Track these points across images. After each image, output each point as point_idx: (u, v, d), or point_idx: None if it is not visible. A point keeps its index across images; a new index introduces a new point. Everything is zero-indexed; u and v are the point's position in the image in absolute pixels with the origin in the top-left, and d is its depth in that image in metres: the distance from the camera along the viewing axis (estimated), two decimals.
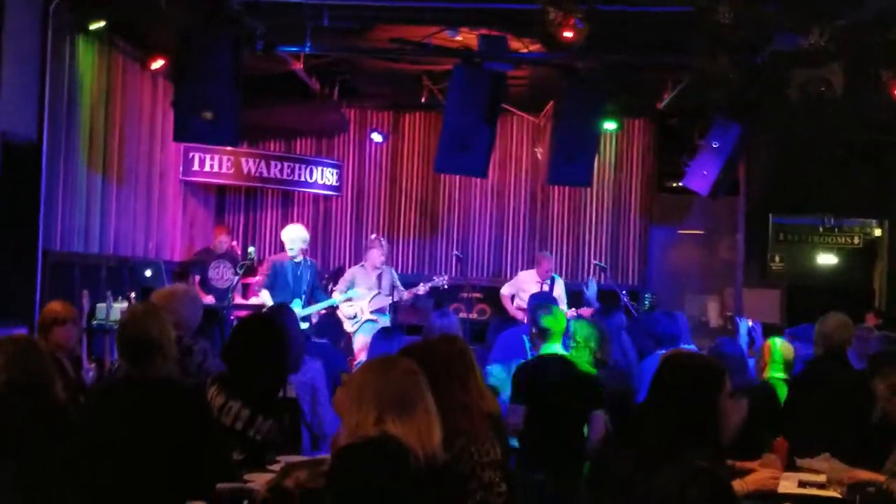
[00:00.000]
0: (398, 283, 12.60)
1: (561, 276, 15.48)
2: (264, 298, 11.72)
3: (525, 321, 11.36)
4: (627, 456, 4.02)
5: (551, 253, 14.96)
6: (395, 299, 12.35)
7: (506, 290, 13.43)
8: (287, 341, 6.04)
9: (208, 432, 5.11)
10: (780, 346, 7.68)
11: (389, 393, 4.04)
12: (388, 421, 3.97)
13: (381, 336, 8.34)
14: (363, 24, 11.43)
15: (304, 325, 10.97)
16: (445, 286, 13.07)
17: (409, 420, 4.00)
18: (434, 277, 12.96)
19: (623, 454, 4.11)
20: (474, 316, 14.22)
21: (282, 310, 7.76)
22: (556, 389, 6.93)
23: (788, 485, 5.53)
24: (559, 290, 12.95)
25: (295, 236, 12.06)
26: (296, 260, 11.95)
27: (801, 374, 7.31)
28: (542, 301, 9.04)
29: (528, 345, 8.22)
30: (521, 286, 13.21)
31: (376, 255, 12.57)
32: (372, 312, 12.28)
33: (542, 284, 13.01)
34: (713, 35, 9.55)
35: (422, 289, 12.69)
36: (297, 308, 11.08)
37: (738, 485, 4.90)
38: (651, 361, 8.50)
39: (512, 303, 13.24)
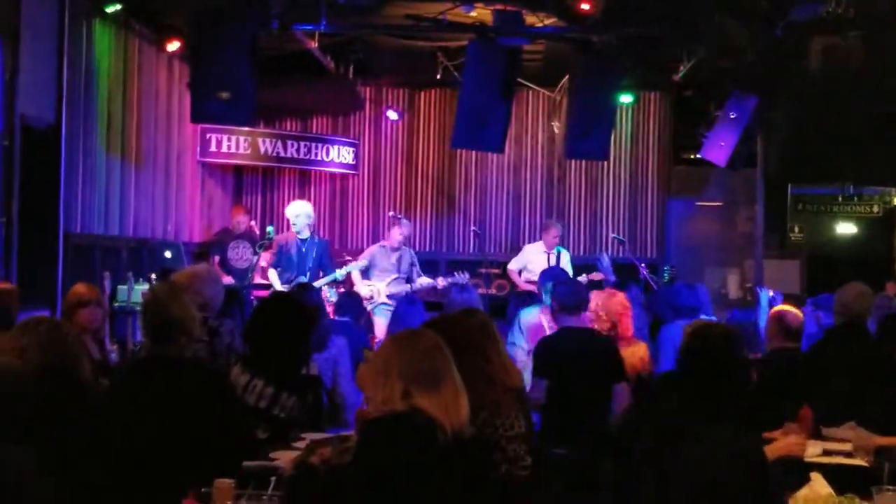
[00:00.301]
0: (417, 265, 12.62)
1: (579, 250, 15.55)
2: (272, 278, 11.77)
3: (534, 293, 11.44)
4: (651, 428, 4.03)
5: (565, 226, 15.01)
6: (413, 287, 12.33)
7: (513, 266, 13.41)
8: (309, 319, 6.07)
9: (232, 411, 5.15)
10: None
11: (416, 366, 4.05)
12: (416, 394, 3.98)
13: (406, 304, 8.41)
14: (378, 1, 11.42)
15: None
16: (465, 283, 13.05)
17: (436, 393, 4.01)
18: (455, 274, 12.92)
19: (647, 426, 4.10)
20: (493, 291, 14.23)
21: (307, 289, 7.81)
22: (579, 363, 6.93)
23: (814, 453, 5.53)
24: (565, 262, 12.94)
25: (299, 212, 12.04)
26: (301, 237, 11.94)
27: (822, 342, 7.29)
28: (559, 276, 9.03)
29: (545, 323, 8.21)
30: (528, 259, 13.22)
31: (396, 235, 12.57)
32: (388, 297, 12.28)
33: (548, 255, 13.01)
34: (730, 5, 9.52)
35: (441, 283, 12.67)
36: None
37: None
38: (670, 331, 8.51)
39: (520, 276, 13.23)
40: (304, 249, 11.83)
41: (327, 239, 12.71)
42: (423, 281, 12.56)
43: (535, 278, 11.69)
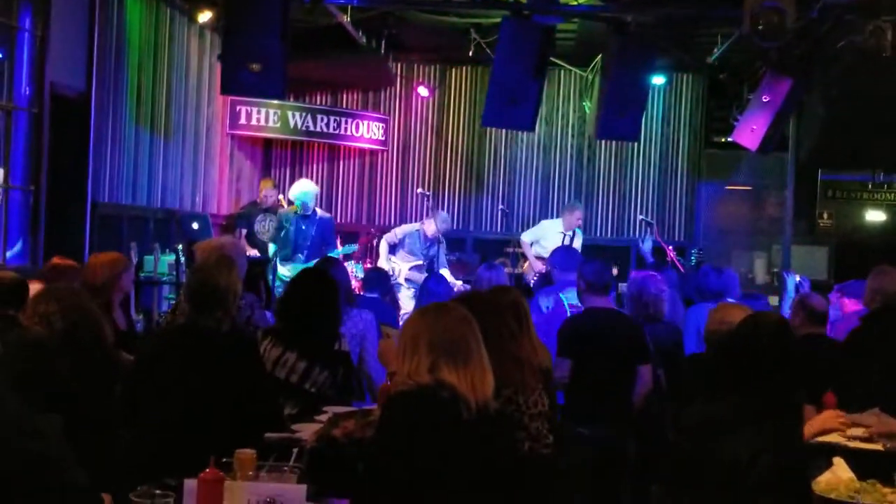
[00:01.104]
0: (444, 259, 12.64)
1: (606, 232, 15.51)
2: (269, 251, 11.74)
3: (540, 269, 11.39)
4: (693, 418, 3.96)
5: (594, 207, 14.97)
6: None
7: (526, 238, 13.35)
8: (340, 294, 6.08)
9: (260, 382, 5.14)
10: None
11: (445, 339, 4.00)
12: (443, 368, 3.93)
13: (434, 280, 8.42)
14: None
15: None
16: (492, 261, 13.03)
17: (464, 368, 3.96)
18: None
19: (688, 416, 4.04)
20: (520, 270, 14.18)
21: (332, 263, 7.78)
22: (603, 343, 6.90)
23: (835, 438, 5.49)
24: (578, 244, 12.88)
25: (307, 190, 11.94)
26: (303, 213, 11.80)
27: (860, 330, 7.18)
28: (574, 256, 8.99)
29: (566, 302, 8.17)
30: (543, 234, 13.16)
31: (433, 227, 12.60)
32: (406, 279, 12.31)
33: (564, 235, 12.95)
34: None
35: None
36: (299, 263, 11.10)
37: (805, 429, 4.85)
38: (695, 313, 8.45)
39: (531, 248, 13.17)
40: (303, 227, 11.68)
41: (330, 216, 12.56)
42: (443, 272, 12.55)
43: (546, 254, 11.79)
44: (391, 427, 3.91)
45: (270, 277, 11.16)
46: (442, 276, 9.31)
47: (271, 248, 11.64)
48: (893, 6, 9.35)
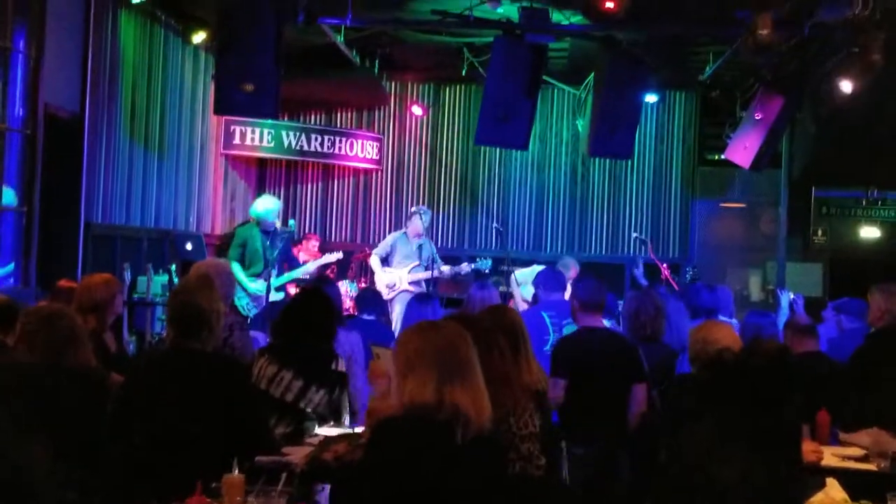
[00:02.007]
0: (437, 257, 12.55)
1: (600, 249, 15.52)
2: (234, 270, 11.38)
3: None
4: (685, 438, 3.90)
5: (588, 225, 14.99)
6: (434, 274, 12.30)
7: (520, 278, 12.97)
8: (339, 315, 6.07)
9: (248, 403, 5.09)
10: None
11: (447, 357, 3.90)
12: (449, 386, 3.84)
13: (418, 301, 8.32)
14: None
15: (279, 296, 10.90)
16: (488, 270, 12.98)
17: (468, 386, 3.86)
18: (478, 259, 12.88)
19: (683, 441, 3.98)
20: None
21: (326, 283, 7.73)
22: (598, 363, 6.85)
23: (829, 459, 5.48)
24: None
25: (272, 207, 11.50)
26: (266, 230, 11.40)
27: (867, 348, 7.13)
28: (559, 278, 8.92)
29: (548, 321, 8.12)
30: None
31: (418, 224, 12.53)
32: (410, 283, 12.26)
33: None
34: (758, 5, 9.40)
35: (465, 268, 12.65)
36: (271, 279, 10.99)
37: None
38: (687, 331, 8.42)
39: (519, 288, 12.91)
40: (268, 242, 11.44)
41: (291, 230, 12.32)
42: (446, 269, 12.51)
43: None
44: (380, 452, 3.84)
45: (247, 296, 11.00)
46: (426, 295, 9.21)
47: (234, 265, 11.26)
48: (881, 25, 9.34)
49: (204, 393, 4.91)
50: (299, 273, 11.64)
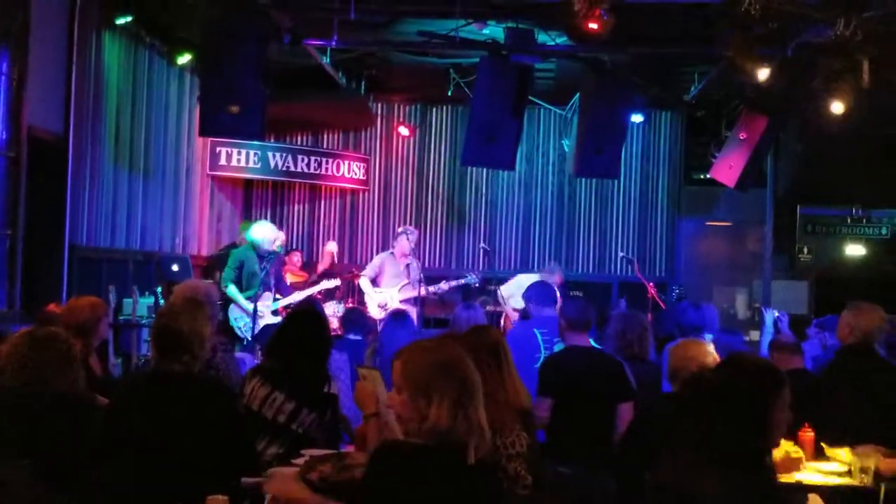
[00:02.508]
0: (422, 278, 12.54)
1: (588, 268, 15.50)
2: (232, 294, 11.22)
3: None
4: (668, 457, 3.89)
5: (575, 244, 15.00)
6: (420, 294, 12.28)
7: (504, 291, 12.95)
8: (330, 336, 6.02)
9: (233, 425, 5.07)
10: None
11: (462, 377, 3.77)
12: (469, 408, 3.72)
13: (393, 320, 8.30)
14: (390, 17, 11.36)
15: (276, 319, 10.85)
16: (477, 284, 12.97)
17: (478, 406, 3.76)
18: (467, 274, 12.87)
19: (664, 456, 3.97)
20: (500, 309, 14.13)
21: (315, 304, 7.70)
22: (584, 381, 6.83)
23: (811, 475, 5.49)
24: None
25: (275, 237, 11.53)
26: (260, 254, 11.33)
27: (836, 364, 7.19)
28: (549, 291, 8.88)
29: (539, 338, 8.10)
30: (520, 290, 12.88)
31: (405, 245, 12.52)
32: (401, 302, 12.25)
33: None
34: (742, 26, 9.43)
35: (443, 286, 12.64)
36: (269, 301, 10.98)
37: None
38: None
39: (508, 302, 12.93)
40: (263, 265, 11.40)
41: (279, 251, 12.26)
42: (431, 288, 12.49)
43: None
44: (380, 479, 3.73)
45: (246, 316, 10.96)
46: (402, 314, 9.15)
47: (232, 287, 11.22)
48: (863, 46, 9.38)
49: (186, 414, 4.89)
50: (297, 298, 11.60)
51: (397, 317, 8.73)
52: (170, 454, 4.79)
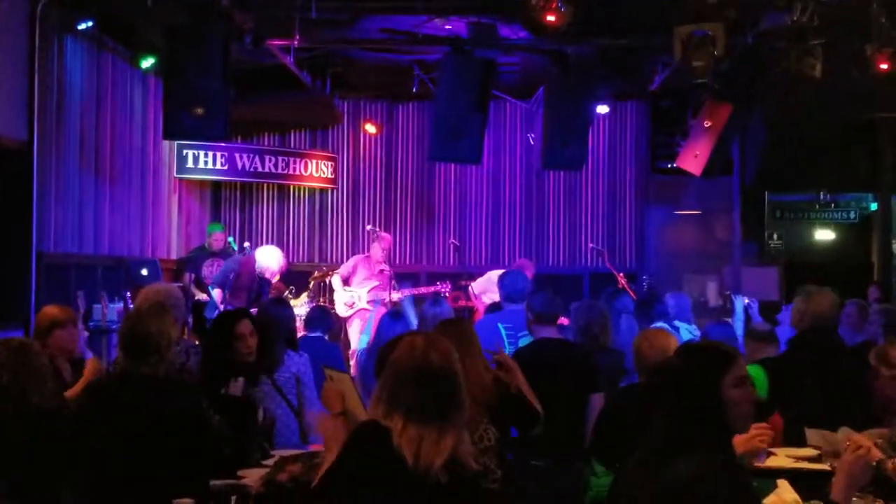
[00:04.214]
0: (395, 284, 12.58)
1: (558, 260, 15.53)
2: (216, 296, 11.36)
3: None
4: (636, 447, 3.93)
5: (545, 236, 15.08)
6: (391, 293, 12.29)
7: (476, 288, 12.99)
8: (226, 337, 5.97)
9: (202, 429, 5.08)
10: None
11: (412, 392, 3.82)
12: (410, 424, 3.76)
13: (390, 320, 8.29)
14: (351, 14, 11.35)
15: None
16: (447, 294, 12.95)
17: (428, 425, 3.81)
18: (437, 283, 12.89)
19: (631, 447, 4.01)
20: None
21: (281, 304, 7.63)
22: (553, 374, 6.84)
23: (780, 460, 5.52)
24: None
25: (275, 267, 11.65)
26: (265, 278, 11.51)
27: (792, 352, 7.23)
28: (524, 282, 8.87)
29: (503, 332, 8.12)
30: (492, 286, 12.91)
31: (378, 251, 12.60)
32: (368, 302, 12.28)
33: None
34: (700, 14, 9.51)
35: (419, 291, 12.66)
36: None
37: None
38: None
39: (478, 300, 12.92)
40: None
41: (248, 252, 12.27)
42: (396, 296, 12.48)
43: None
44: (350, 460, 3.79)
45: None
46: (399, 314, 9.16)
47: (215, 290, 11.32)
48: (820, 31, 9.47)
49: (154, 416, 4.90)
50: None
51: (395, 316, 8.69)
52: (139, 457, 4.80)
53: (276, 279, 11.81)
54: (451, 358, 3.88)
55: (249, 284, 11.31)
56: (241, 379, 5.76)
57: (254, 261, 11.47)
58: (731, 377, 3.69)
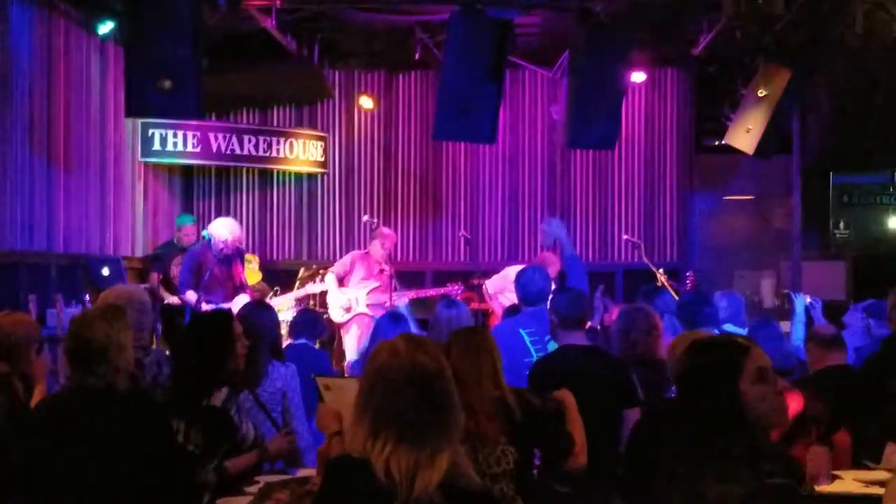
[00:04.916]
0: (397, 285, 12.60)
1: (587, 254, 15.53)
2: (188, 298, 11.37)
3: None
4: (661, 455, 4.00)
5: (571, 226, 15.09)
6: (393, 298, 12.33)
7: (490, 287, 12.93)
8: (219, 346, 5.98)
9: (165, 449, 5.12)
10: None
11: (394, 405, 3.75)
12: (389, 441, 3.76)
13: (389, 321, 8.30)
14: None
15: None
16: (459, 296, 13.00)
17: (412, 446, 3.85)
18: (447, 284, 12.93)
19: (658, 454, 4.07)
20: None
21: (264, 308, 7.67)
22: (581, 386, 6.85)
23: (847, 485, 5.54)
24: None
25: (236, 230, 11.69)
26: (216, 254, 11.46)
27: (877, 356, 7.25)
28: (545, 280, 8.87)
29: (527, 339, 8.14)
30: (510, 284, 12.93)
31: (379, 249, 12.59)
32: (368, 306, 12.30)
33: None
34: None
35: (426, 293, 12.70)
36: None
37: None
38: None
39: (494, 300, 12.95)
40: (225, 266, 11.45)
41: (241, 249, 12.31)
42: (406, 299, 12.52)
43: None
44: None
45: None
46: (400, 316, 9.21)
47: (188, 293, 11.35)
48: None
49: (109, 434, 4.92)
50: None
51: (396, 319, 8.69)
52: (94, 480, 4.84)
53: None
54: (441, 359, 3.85)
55: (224, 274, 11.34)
56: (224, 389, 5.80)
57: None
58: (748, 372, 3.77)
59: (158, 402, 5.59)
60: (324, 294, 12.93)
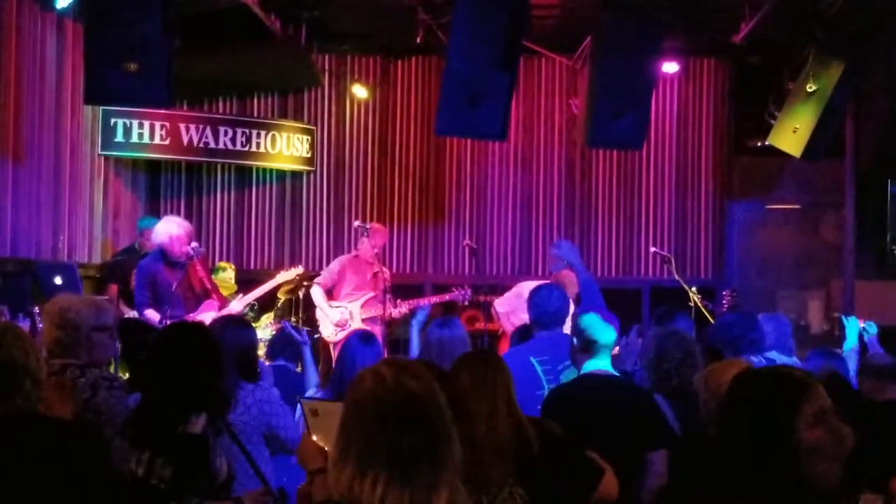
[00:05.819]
0: (391, 297, 12.56)
1: (609, 270, 15.52)
2: (150, 317, 11.19)
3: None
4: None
5: (593, 237, 15.04)
6: (390, 309, 12.31)
7: (500, 307, 12.98)
8: (199, 363, 5.97)
9: (100, 486, 5.10)
10: None
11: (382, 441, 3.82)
12: (379, 481, 3.80)
13: (359, 343, 8.23)
14: None
15: None
16: (468, 301, 12.99)
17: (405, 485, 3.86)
18: (454, 289, 12.91)
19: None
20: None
21: (242, 324, 7.65)
22: (601, 422, 6.85)
23: None
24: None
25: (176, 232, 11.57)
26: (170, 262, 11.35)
27: None
28: (562, 302, 8.83)
29: (538, 369, 8.10)
30: (522, 303, 12.87)
31: (368, 247, 12.53)
32: (364, 320, 12.27)
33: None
34: None
35: (430, 300, 12.68)
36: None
37: None
38: None
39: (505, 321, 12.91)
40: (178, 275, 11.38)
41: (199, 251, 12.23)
42: (404, 308, 12.52)
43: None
44: None
45: None
46: (370, 335, 9.17)
47: (150, 313, 11.31)
48: None
49: (30, 470, 4.89)
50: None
51: (366, 339, 8.66)
52: None
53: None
54: (432, 384, 3.84)
55: (183, 282, 11.30)
56: (203, 415, 5.78)
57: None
58: (807, 413, 3.70)
59: (86, 429, 5.55)
60: (311, 309, 12.90)
